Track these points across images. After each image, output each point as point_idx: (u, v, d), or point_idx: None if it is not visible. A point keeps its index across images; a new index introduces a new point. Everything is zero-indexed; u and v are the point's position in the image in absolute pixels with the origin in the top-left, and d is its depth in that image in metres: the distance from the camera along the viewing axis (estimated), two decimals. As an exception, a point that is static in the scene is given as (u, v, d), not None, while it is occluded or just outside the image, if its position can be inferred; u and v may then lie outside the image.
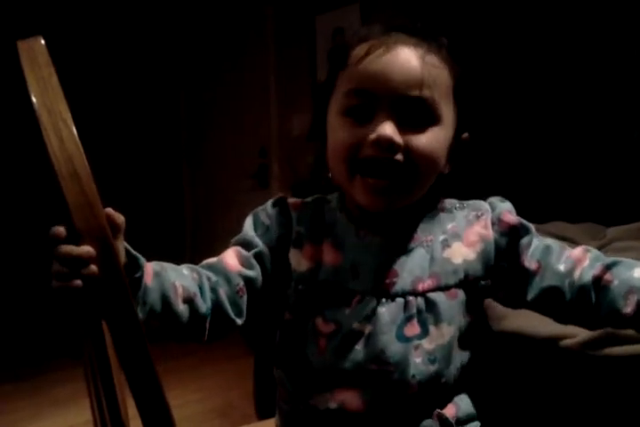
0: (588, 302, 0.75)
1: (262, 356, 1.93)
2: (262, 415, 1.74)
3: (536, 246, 0.80)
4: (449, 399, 0.80)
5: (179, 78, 4.08)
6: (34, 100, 0.50)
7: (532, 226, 0.82)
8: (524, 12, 2.32)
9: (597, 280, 0.75)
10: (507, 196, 0.86)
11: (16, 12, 3.29)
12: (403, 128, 0.72)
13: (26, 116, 0.53)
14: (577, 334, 1.27)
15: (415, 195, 0.77)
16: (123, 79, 3.78)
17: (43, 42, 0.53)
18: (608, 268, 0.75)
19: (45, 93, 0.50)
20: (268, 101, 3.46)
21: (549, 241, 0.81)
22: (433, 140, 0.73)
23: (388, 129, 0.71)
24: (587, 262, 0.77)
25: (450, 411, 0.78)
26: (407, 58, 0.73)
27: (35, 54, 0.52)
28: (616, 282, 0.73)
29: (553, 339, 1.27)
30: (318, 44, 3.14)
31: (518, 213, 0.83)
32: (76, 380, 1.27)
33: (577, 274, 0.76)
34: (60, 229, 0.51)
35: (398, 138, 0.71)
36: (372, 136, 0.71)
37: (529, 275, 0.78)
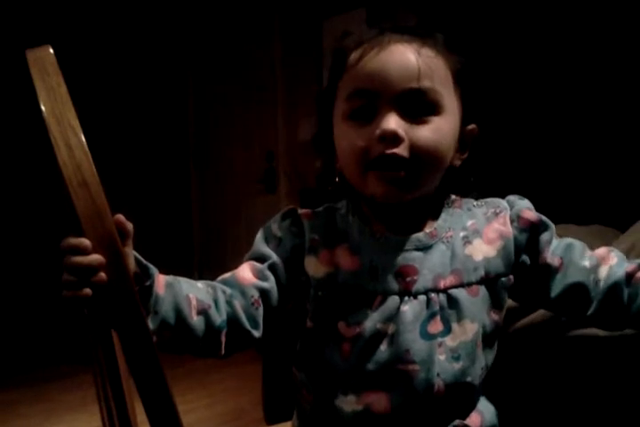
0: (618, 299, 0.75)
1: (271, 361, 1.93)
2: (271, 420, 1.74)
3: (558, 243, 0.80)
4: (474, 403, 0.79)
5: (186, 84, 4.10)
6: (43, 108, 0.50)
7: (551, 223, 0.82)
8: (536, 6, 2.31)
9: (630, 277, 0.75)
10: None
11: (22, 19, 3.32)
12: (406, 121, 0.73)
13: (35, 124, 0.54)
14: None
15: (425, 186, 0.77)
16: (130, 84, 3.80)
17: (51, 51, 0.53)
18: None
19: (54, 102, 0.50)
20: (275, 106, 3.47)
21: (570, 239, 0.81)
22: (436, 130, 0.74)
23: (391, 123, 0.72)
24: (614, 261, 0.78)
25: (475, 421, 0.78)
26: (402, 53, 0.74)
27: (44, 63, 0.52)
28: None
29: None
30: (325, 49, 3.14)
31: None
32: (85, 386, 1.27)
33: (603, 271, 0.77)
34: (71, 241, 0.52)
35: (401, 130, 0.72)
36: (377, 132, 0.73)
37: (551, 271, 0.78)
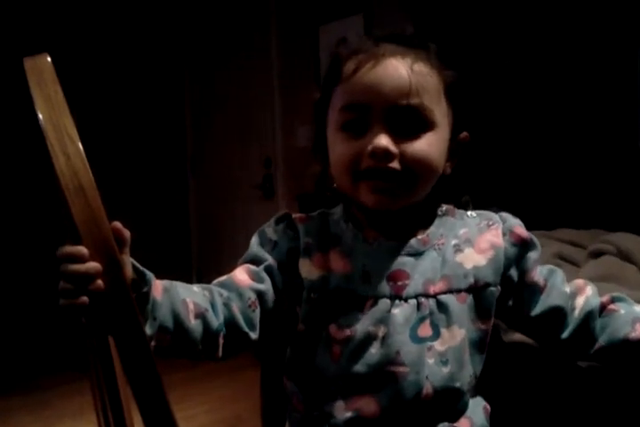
0: (590, 327, 0.80)
1: (270, 367, 1.93)
2: (269, 427, 1.73)
3: (543, 266, 0.84)
4: (463, 409, 0.80)
5: (183, 89, 4.11)
6: (40, 116, 0.50)
7: (539, 245, 0.85)
8: (529, 13, 2.33)
9: (603, 308, 0.81)
10: (514, 204, 0.88)
11: (19, 26, 3.33)
12: (397, 137, 0.75)
13: (32, 131, 0.54)
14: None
15: (416, 195, 0.79)
16: (128, 91, 3.81)
17: (49, 59, 0.53)
18: (613, 300, 0.81)
19: (51, 110, 0.50)
20: (272, 112, 3.48)
21: (552, 266, 0.86)
22: (427, 145, 0.76)
23: (382, 140, 0.74)
24: (590, 292, 0.83)
25: (464, 426, 0.79)
26: (395, 68, 0.75)
27: (41, 71, 0.52)
28: (622, 311, 0.79)
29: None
30: (322, 55, 3.15)
31: (527, 220, 0.87)
32: (82, 394, 1.27)
33: (580, 300, 0.82)
34: (68, 249, 0.52)
35: (393, 147, 0.74)
36: (369, 148, 0.74)
37: (536, 291, 0.82)
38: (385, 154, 0.74)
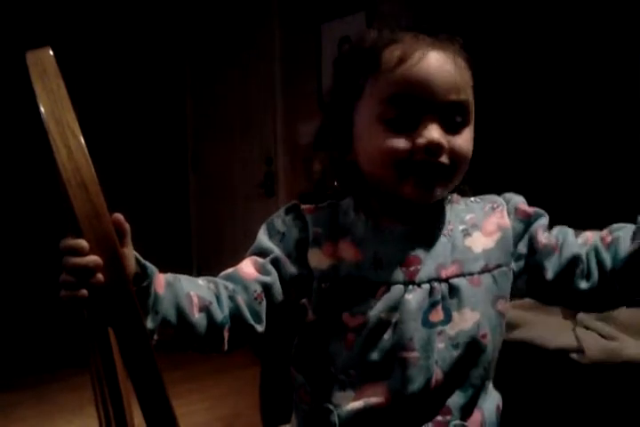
0: (604, 265, 0.77)
1: (269, 364, 1.93)
2: (268, 425, 1.74)
3: (552, 228, 0.84)
4: (475, 398, 0.79)
5: (185, 87, 4.11)
6: (42, 110, 0.50)
7: (546, 213, 0.85)
8: (534, 13, 2.32)
9: (604, 240, 0.79)
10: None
11: (22, 20, 3.33)
12: (445, 131, 0.75)
13: (35, 126, 0.54)
14: (585, 348, 1.28)
15: (450, 189, 0.81)
16: (130, 87, 3.81)
17: (51, 53, 0.53)
18: (611, 231, 0.80)
19: (54, 104, 0.50)
20: (274, 110, 3.48)
21: (560, 226, 0.85)
22: (467, 141, 0.77)
23: (436, 134, 0.74)
24: (595, 236, 0.81)
25: (475, 420, 0.78)
26: (442, 62, 0.75)
27: (43, 65, 0.52)
28: (621, 234, 0.78)
29: (563, 350, 1.28)
30: (324, 53, 3.15)
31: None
32: (82, 388, 1.27)
33: (588, 247, 0.80)
34: (69, 242, 0.52)
35: (445, 142, 0.74)
36: (422, 141, 0.73)
37: (549, 251, 0.81)
38: (438, 148, 0.74)
